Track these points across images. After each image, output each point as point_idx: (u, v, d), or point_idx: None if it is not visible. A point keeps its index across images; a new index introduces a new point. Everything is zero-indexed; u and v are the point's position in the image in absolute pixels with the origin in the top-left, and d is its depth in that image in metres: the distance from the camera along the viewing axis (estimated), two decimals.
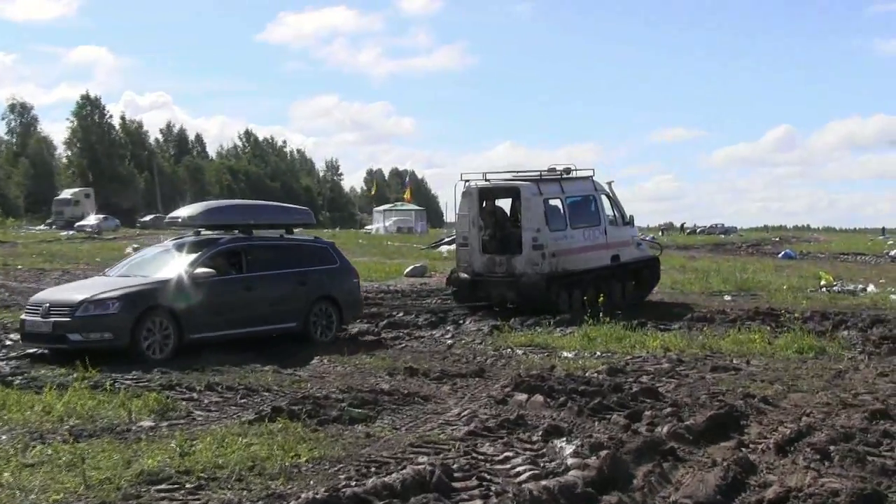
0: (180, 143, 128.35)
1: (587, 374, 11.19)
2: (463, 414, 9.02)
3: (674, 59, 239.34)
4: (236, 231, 15.04)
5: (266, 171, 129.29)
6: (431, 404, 9.68)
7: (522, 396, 9.64)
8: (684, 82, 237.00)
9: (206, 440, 7.77)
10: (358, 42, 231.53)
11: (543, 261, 19.03)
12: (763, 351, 13.61)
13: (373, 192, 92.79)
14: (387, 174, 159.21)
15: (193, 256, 13.94)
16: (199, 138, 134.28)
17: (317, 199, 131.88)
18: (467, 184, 19.94)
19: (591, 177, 20.84)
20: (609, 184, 21.46)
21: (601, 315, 16.21)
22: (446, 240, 50.66)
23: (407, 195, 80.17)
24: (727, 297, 22.70)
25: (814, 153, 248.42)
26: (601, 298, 17.38)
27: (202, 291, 13.50)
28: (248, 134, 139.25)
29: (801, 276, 29.69)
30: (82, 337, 12.61)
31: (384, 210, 79.41)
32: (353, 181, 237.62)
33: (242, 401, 9.74)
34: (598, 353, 13.49)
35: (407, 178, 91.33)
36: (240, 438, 7.86)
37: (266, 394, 10.10)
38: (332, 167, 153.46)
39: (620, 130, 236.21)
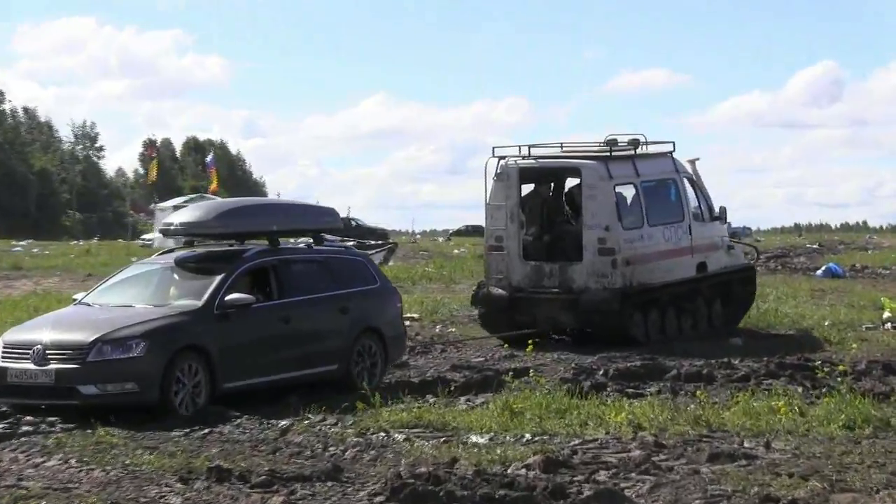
0: None
1: (510, 472, 11.25)
2: None
3: None
4: (232, 241, 17.84)
5: None
6: None
7: None
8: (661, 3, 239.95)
9: None
10: None
11: (614, 271, 21.46)
12: (792, 427, 13.88)
13: (153, 178, 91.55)
14: (178, 148, 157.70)
15: (217, 278, 16.34)
16: None
17: (59, 190, 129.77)
18: (502, 162, 22.42)
19: (671, 153, 23.77)
20: (692, 163, 24.58)
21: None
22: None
23: (212, 185, 79.40)
24: (735, 340, 23.25)
25: (871, 107, 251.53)
26: None
27: (237, 325, 16.12)
28: None
29: (853, 304, 30.50)
30: (98, 389, 14.87)
31: (174, 207, 78.45)
32: (121, 160, 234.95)
33: None
34: (528, 437, 13.62)
35: (210, 156, 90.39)
36: None
37: None
38: (87, 137, 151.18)
39: (560, 76, 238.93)
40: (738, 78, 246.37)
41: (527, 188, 23.56)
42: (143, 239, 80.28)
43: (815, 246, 71.09)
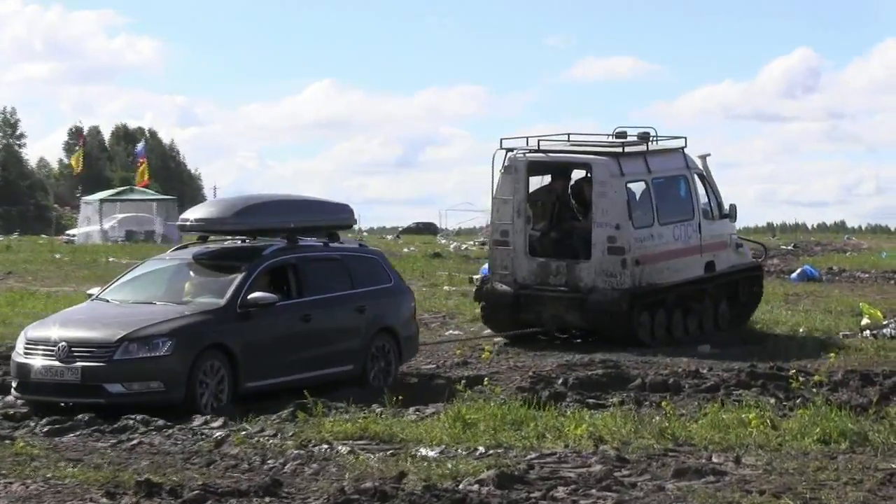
0: None
1: (462, 487, 11.26)
2: None
3: None
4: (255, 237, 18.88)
5: None
6: None
7: None
8: None
9: None
10: None
11: (623, 270, 22.32)
12: (763, 440, 13.89)
13: (78, 169, 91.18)
14: (107, 136, 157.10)
15: (238, 276, 17.33)
16: None
17: None
18: (510, 154, 23.32)
19: (683, 148, 24.80)
20: (703, 159, 25.74)
21: None
22: None
23: (142, 175, 79.15)
24: (704, 348, 23.26)
25: (850, 99, 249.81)
26: None
27: (259, 323, 17.15)
28: None
29: (829, 310, 30.59)
30: (124, 388, 15.89)
31: (102, 200, 78.32)
32: (44, 149, 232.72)
33: None
34: (481, 450, 13.57)
35: (141, 146, 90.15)
36: None
37: None
38: (7, 124, 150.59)
39: (518, 63, 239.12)
40: (708, 66, 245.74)
41: (534, 181, 24.21)
42: (68, 235, 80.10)
43: (789, 247, 71.72)
